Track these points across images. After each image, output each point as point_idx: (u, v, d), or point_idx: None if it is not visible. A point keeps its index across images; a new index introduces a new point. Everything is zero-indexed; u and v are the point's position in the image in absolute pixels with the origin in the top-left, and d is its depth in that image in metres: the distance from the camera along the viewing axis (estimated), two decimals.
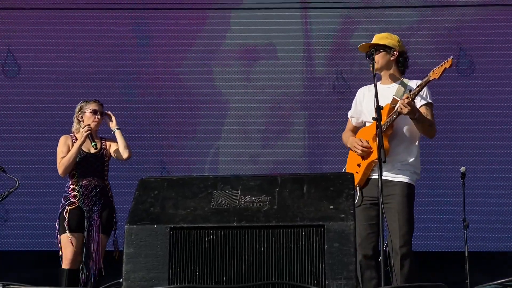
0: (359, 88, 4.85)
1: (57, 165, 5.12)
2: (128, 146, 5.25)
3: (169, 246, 3.25)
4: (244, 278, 3.19)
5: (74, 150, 5.10)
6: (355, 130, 4.79)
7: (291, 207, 3.32)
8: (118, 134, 5.26)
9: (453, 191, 6.93)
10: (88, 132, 5.13)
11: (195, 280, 3.20)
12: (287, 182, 3.43)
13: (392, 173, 4.45)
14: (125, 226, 3.31)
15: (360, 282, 4.42)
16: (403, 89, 4.55)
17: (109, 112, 5.34)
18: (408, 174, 4.49)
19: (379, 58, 4.59)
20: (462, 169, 6.62)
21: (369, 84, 4.69)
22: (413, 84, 4.57)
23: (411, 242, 4.44)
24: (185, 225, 3.29)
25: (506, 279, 3.22)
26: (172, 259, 3.23)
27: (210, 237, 3.25)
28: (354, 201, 3.31)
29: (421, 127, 4.47)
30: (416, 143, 4.59)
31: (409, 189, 4.48)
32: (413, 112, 4.33)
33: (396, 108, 4.42)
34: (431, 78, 4.38)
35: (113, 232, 5.18)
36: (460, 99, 7.61)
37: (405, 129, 4.53)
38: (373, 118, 4.24)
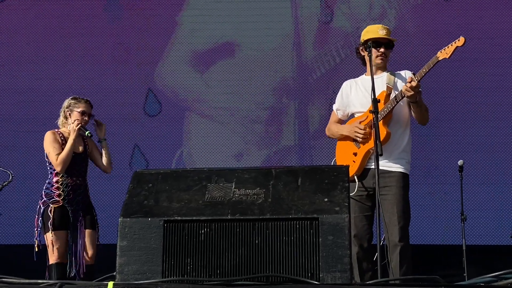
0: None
1: (53, 161, 5.08)
2: (111, 161, 5.30)
3: (163, 239, 3.23)
4: (238, 271, 3.17)
5: (70, 145, 5.09)
6: (340, 123, 4.77)
7: (285, 199, 3.30)
8: (105, 145, 5.27)
9: (450, 184, 6.91)
10: (79, 125, 5.13)
11: (189, 273, 3.18)
12: (281, 174, 3.42)
13: (389, 162, 4.43)
14: (119, 219, 3.29)
15: (357, 273, 4.42)
16: (392, 77, 4.54)
17: (100, 121, 5.33)
18: (404, 164, 4.48)
19: (389, 54, 4.59)
20: (460, 162, 6.60)
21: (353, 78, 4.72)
22: (402, 72, 4.57)
23: (409, 234, 4.43)
24: (179, 218, 3.27)
25: (501, 272, 3.21)
26: (166, 252, 3.22)
27: (204, 230, 3.24)
28: (349, 193, 3.29)
29: (419, 111, 4.46)
30: (409, 129, 4.58)
31: (405, 179, 4.47)
32: (415, 96, 4.32)
33: (399, 92, 4.40)
34: (440, 58, 4.28)
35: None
36: (457, 91, 7.59)
37: (400, 115, 4.51)
38: (371, 112, 4.23)
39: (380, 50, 4.51)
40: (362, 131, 4.45)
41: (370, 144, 4.36)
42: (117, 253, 3.25)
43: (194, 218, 3.27)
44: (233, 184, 3.40)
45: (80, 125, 5.12)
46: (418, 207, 7.19)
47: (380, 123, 4.30)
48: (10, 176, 5.29)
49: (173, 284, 3.08)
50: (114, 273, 3.27)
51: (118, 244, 3.26)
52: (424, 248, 7.08)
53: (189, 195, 3.37)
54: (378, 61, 4.53)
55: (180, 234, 3.25)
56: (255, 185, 3.38)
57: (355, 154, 4.51)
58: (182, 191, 3.39)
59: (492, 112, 7.54)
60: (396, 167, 4.45)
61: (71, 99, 5.29)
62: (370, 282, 3.45)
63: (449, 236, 7.18)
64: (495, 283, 3.19)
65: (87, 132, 5.15)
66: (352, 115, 4.71)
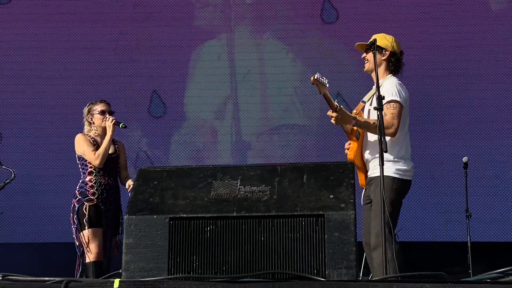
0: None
1: (91, 157, 5.10)
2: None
3: (168, 237, 3.24)
4: (244, 268, 3.18)
5: (107, 141, 5.14)
6: None
7: (291, 196, 3.30)
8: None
9: (455, 181, 6.90)
10: (114, 120, 5.19)
11: (195, 270, 3.19)
12: (287, 171, 3.42)
13: (372, 171, 4.40)
14: (125, 217, 3.30)
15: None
16: (373, 90, 4.47)
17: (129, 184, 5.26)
18: (389, 169, 4.38)
19: (371, 58, 4.52)
20: (465, 159, 6.57)
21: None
22: (387, 83, 4.44)
23: (391, 236, 4.27)
24: (184, 215, 3.28)
25: (507, 268, 3.21)
26: (171, 249, 3.23)
27: (210, 227, 3.25)
28: (354, 190, 3.29)
29: (366, 130, 4.37)
30: (399, 138, 4.47)
31: (392, 182, 4.35)
32: (345, 121, 4.23)
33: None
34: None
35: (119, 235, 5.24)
36: (460, 90, 7.58)
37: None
38: (375, 108, 4.19)
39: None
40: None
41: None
42: (123, 251, 3.25)
43: (199, 215, 3.27)
44: (239, 181, 3.41)
45: (114, 120, 5.18)
46: (423, 204, 7.21)
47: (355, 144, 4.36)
48: (13, 174, 5.29)
49: (179, 281, 3.08)
50: (120, 271, 3.28)
51: (124, 242, 3.27)
52: (428, 245, 7.08)
53: (195, 192, 3.37)
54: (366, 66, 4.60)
55: (186, 231, 3.25)
56: (261, 182, 3.38)
57: None
58: (188, 189, 3.39)
59: (498, 109, 7.52)
60: (377, 173, 4.37)
61: (88, 105, 5.37)
62: (376, 278, 3.44)
63: (454, 233, 7.16)
64: (501, 279, 3.19)
65: (121, 124, 5.20)
66: None
